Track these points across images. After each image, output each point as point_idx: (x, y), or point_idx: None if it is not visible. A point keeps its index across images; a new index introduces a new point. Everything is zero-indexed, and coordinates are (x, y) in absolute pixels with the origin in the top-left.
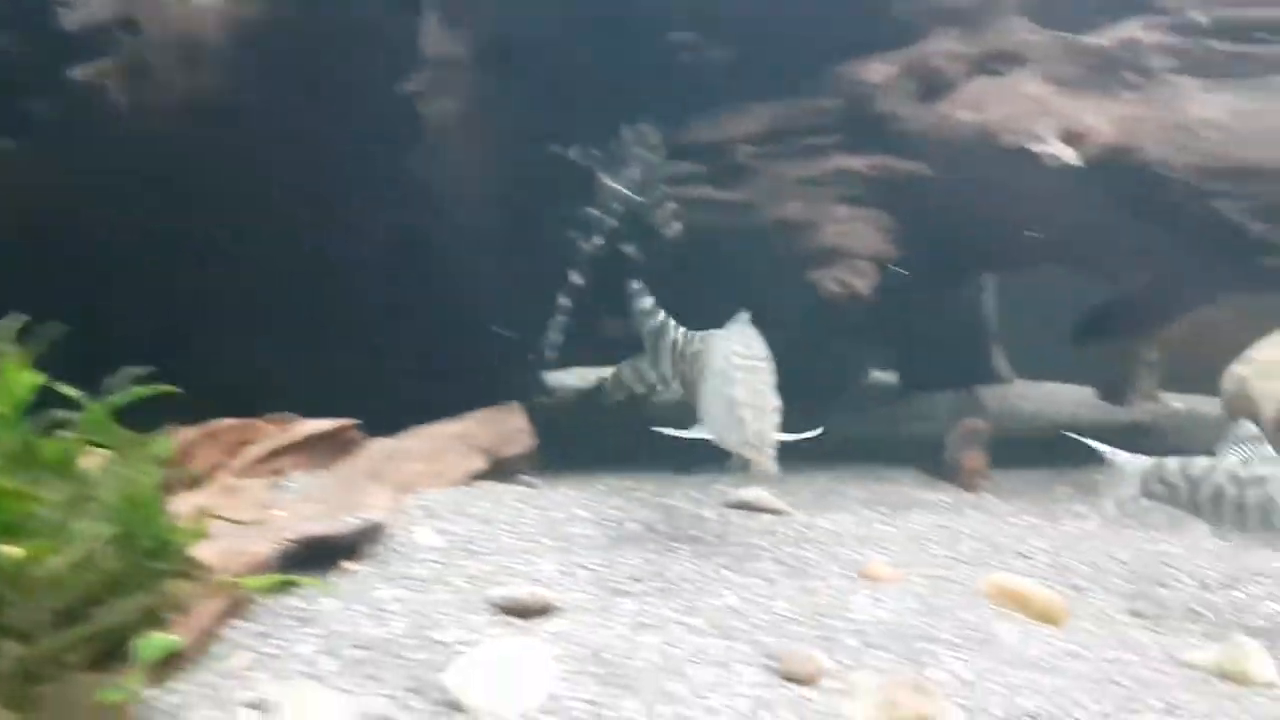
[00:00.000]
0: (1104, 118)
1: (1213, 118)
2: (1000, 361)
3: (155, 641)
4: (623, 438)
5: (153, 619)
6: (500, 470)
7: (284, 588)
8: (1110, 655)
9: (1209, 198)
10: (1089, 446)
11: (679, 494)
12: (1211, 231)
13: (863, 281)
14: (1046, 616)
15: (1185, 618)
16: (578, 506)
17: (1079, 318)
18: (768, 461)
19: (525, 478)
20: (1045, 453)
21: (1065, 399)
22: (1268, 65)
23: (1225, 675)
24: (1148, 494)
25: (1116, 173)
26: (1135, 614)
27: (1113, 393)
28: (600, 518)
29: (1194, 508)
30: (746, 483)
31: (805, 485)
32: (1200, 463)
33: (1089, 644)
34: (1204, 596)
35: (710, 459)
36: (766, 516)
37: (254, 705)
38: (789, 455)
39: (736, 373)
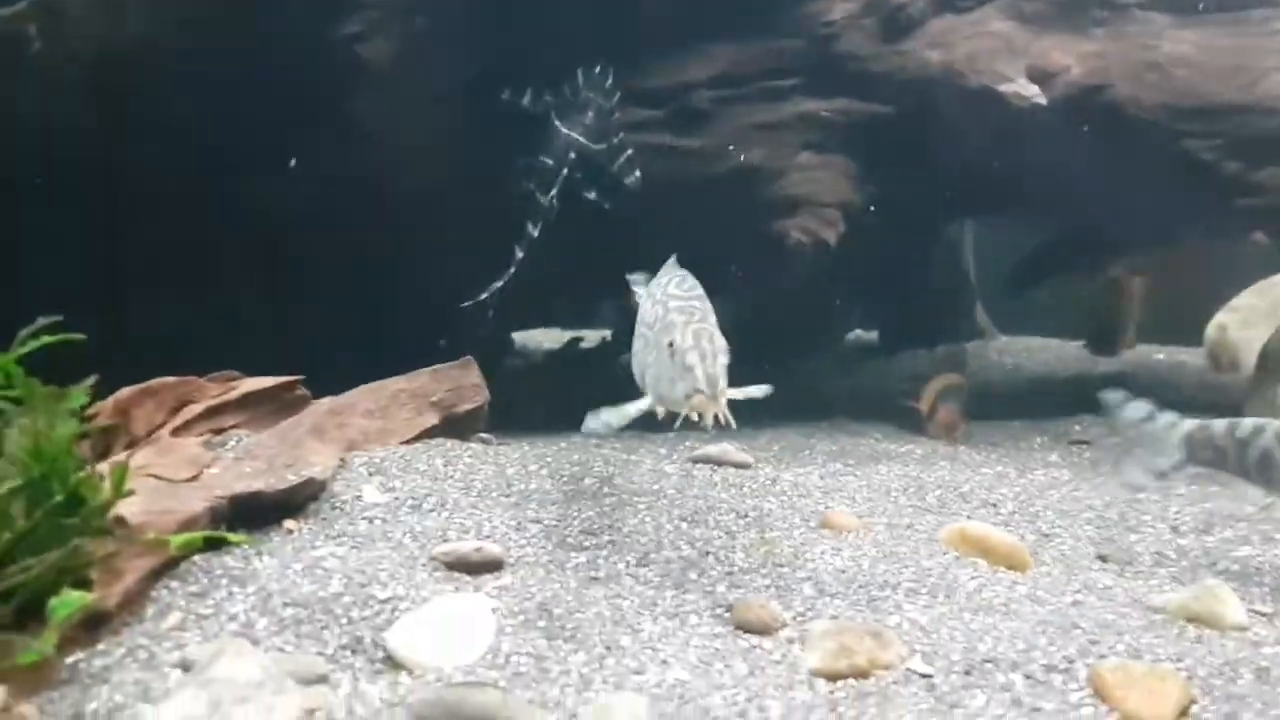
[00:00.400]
0: (1072, 55)
1: (1184, 54)
2: (980, 315)
3: (69, 600)
4: (593, 396)
5: (73, 578)
6: (455, 427)
7: (219, 547)
8: (1073, 599)
9: (1180, 137)
10: (1066, 399)
11: (644, 450)
12: (1184, 171)
13: (830, 230)
14: (1009, 562)
15: (1155, 563)
16: (534, 463)
17: (1015, 263)
18: (722, 408)
19: (482, 435)
20: (1023, 405)
21: (1046, 353)
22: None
23: (1193, 618)
24: (1194, 459)
25: (1086, 112)
26: (1103, 559)
27: (1100, 344)
28: (556, 473)
29: (1242, 471)
30: (714, 439)
31: (774, 440)
32: (1247, 424)
33: (1052, 589)
34: (1175, 541)
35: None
36: (731, 470)
37: (182, 665)
38: (758, 411)
39: (674, 315)
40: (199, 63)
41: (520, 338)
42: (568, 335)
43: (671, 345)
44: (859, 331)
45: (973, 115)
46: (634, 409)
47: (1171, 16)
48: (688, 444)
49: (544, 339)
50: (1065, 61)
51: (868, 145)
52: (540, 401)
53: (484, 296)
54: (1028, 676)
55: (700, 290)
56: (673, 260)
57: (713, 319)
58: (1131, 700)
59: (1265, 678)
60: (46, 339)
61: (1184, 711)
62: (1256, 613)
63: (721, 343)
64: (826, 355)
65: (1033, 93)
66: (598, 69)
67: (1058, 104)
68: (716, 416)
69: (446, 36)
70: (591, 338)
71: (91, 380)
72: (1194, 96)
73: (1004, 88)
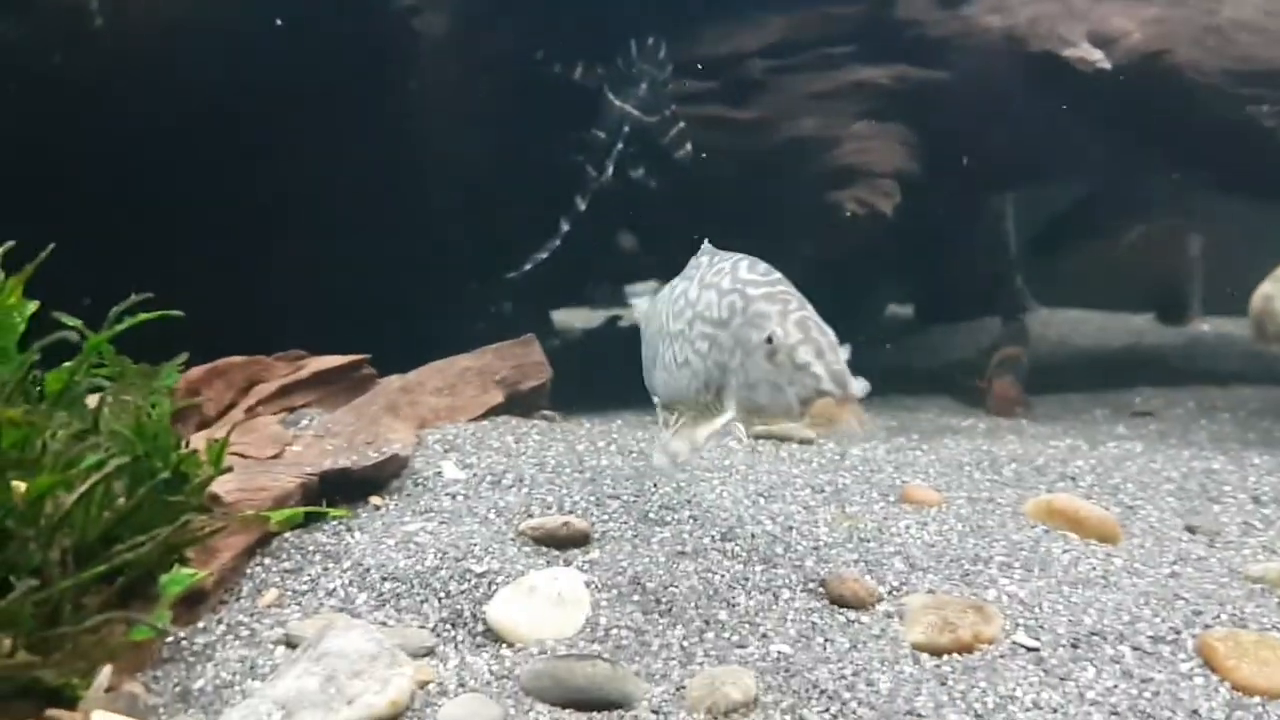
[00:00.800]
0: (1133, 20)
1: (1246, 19)
2: (1021, 289)
3: (178, 577)
4: (635, 378)
5: (174, 555)
6: (519, 404)
7: (310, 522)
8: (1170, 570)
9: (1242, 102)
10: (1120, 371)
11: None
12: (1244, 137)
13: (885, 201)
14: (1100, 535)
15: (1243, 533)
16: (602, 440)
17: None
18: (859, 411)
19: (546, 412)
20: (1077, 378)
21: (1089, 325)
22: None
23: None
24: None
25: (1147, 77)
26: (1191, 530)
27: (1170, 314)
28: (625, 450)
29: None
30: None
31: None
32: None
33: (1147, 560)
34: (1260, 511)
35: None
36: (795, 445)
37: (285, 641)
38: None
39: (760, 304)
40: (263, 38)
41: (560, 317)
42: (605, 315)
43: (771, 341)
44: (894, 306)
45: (1035, 80)
46: (707, 432)
47: None
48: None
49: (581, 319)
50: (1126, 26)
51: (925, 112)
52: (586, 381)
53: (527, 267)
54: (1135, 648)
55: (780, 275)
56: (707, 245)
57: (812, 308)
58: (1244, 669)
59: None
60: (143, 316)
61: None
62: None
63: (833, 335)
64: (869, 329)
65: (1097, 57)
66: (650, 40)
67: (1119, 69)
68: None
69: (499, 10)
70: (630, 316)
71: (182, 359)
72: (1256, 61)
73: (1068, 52)
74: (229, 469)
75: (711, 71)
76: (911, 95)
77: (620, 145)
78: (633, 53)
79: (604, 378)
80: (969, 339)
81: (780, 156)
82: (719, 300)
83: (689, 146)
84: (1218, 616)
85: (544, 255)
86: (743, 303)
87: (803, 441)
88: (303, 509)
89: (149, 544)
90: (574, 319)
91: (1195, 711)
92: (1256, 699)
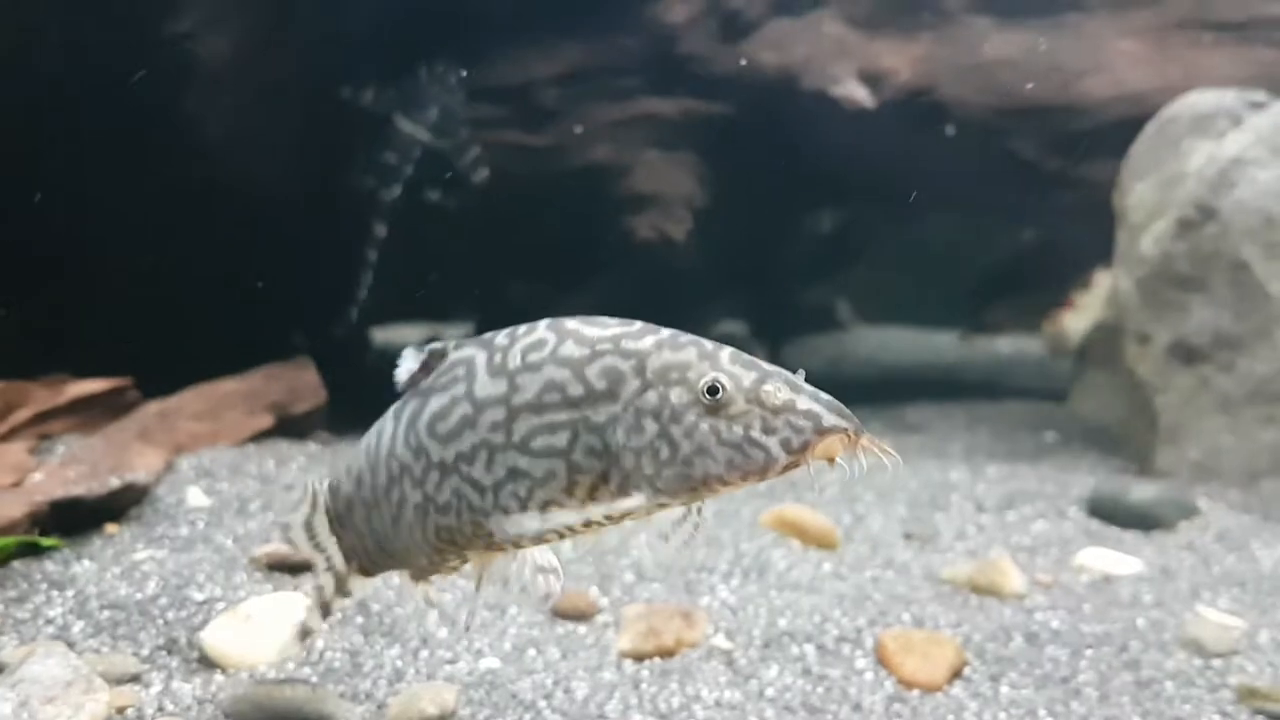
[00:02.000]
0: (902, 58)
1: (1006, 56)
2: (841, 307)
3: None
4: None
5: None
6: (291, 427)
7: (40, 552)
8: (871, 574)
9: (1004, 135)
10: (911, 386)
11: None
12: (1008, 168)
13: (677, 227)
14: (820, 542)
15: (956, 537)
16: None
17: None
18: (870, 438)
19: (322, 434)
20: (871, 393)
21: (901, 342)
22: (1058, 4)
23: (977, 588)
24: None
25: (915, 112)
26: (908, 536)
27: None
28: None
29: None
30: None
31: None
32: None
33: (855, 565)
34: (978, 518)
35: None
36: None
37: None
38: None
39: (667, 353)
40: (28, 60)
41: (383, 335)
42: (426, 334)
43: (716, 392)
44: (728, 323)
45: (807, 115)
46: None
47: (994, 20)
48: None
49: (408, 336)
50: (895, 64)
51: (712, 143)
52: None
53: (349, 311)
54: (819, 647)
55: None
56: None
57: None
58: (909, 665)
59: (1034, 641)
60: None
61: (956, 673)
62: (1038, 582)
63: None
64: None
65: (862, 95)
66: (442, 65)
67: (888, 105)
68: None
69: (285, 34)
70: (449, 335)
71: None
72: (1015, 97)
73: (835, 90)
74: None
75: (505, 97)
76: (699, 126)
77: (411, 169)
78: (423, 77)
79: None
80: (793, 357)
81: (575, 182)
82: (574, 373)
83: (485, 171)
84: (900, 616)
85: (364, 293)
86: (630, 361)
87: None
88: (14, 539)
89: None
90: (401, 336)
91: (859, 705)
92: (915, 692)
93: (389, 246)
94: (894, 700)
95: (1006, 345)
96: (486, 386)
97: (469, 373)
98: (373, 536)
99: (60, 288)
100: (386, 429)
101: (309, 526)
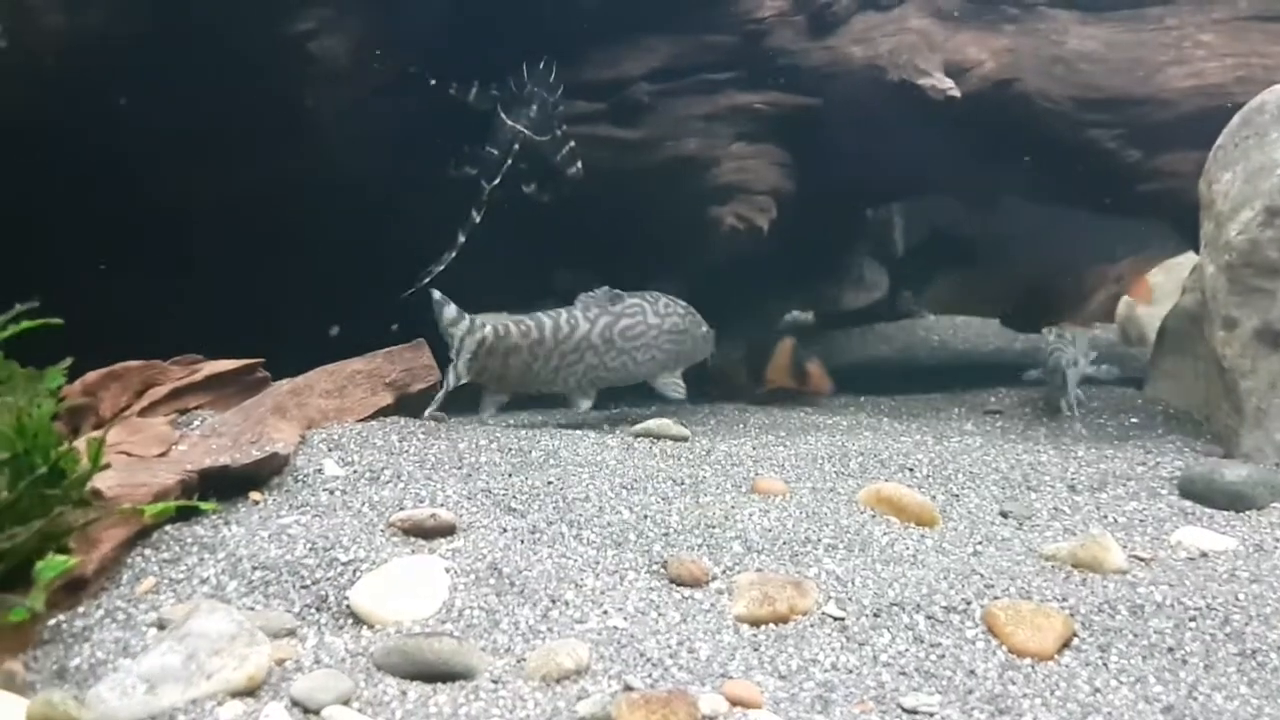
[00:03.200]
0: (986, 50)
1: (1088, 49)
2: (907, 295)
3: (54, 563)
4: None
5: (54, 546)
6: (409, 406)
7: (190, 518)
8: (973, 550)
9: (1085, 127)
10: (986, 372)
11: (587, 427)
12: (1088, 159)
13: (762, 216)
14: (919, 519)
15: (1051, 517)
16: (484, 438)
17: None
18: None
19: (434, 412)
20: (945, 379)
21: (969, 329)
22: None
23: (1079, 564)
24: None
25: (999, 103)
26: (1004, 515)
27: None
28: (505, 447)
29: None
30: (655, 414)
31: (711, 415)
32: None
33: (956, 541)
34: (1072, 498)
35: (630, 397)
36: (669, 443)
37: (159, 624)
38: (694, 390)
39: (692, 317)
40: (153, 55)
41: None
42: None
43: (706, 329)
44: (796, 312)
45: (895, 106)
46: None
47: (1077, 13)
48: (629, 419)
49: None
50: (979, 56)
51: (799, 135)
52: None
53: (425, 280)
54: (929, 617)
55: None
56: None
57: None
58: (1019, 635)
59: (1139, 613)
60: (25, 324)
61: (1065, 643)
62: (1137, 558)
63: None
64: (767, 332)
65: (948, 85)
66: (541, 63)
67: (972, 96)
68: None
69: (396, 34)
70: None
71: (67, 362)
72: (1097, 89)
73: (921, 81)
74: (107, 465)
75: (599, 93)
76: (785, 119)
77: (511, 161)
78: (525, 75)
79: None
80: (860, 343)
81: (665, 174)
82: (666, 321)
83: (579, 164)
84: (1006, 589)
85: (440, 267)
86: (685, 317)
87: (677, 439)
88: (174, 503)
89: (25, 534)
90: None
91: (973, 671)
92: (1027, 660)
93: (485, 237)
94: (1007, 668)
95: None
96: (651, 319)
97: (642, 310)
98: (520, 371)
99: (188, 275)
100: (580, 324)
101: (477, 350)
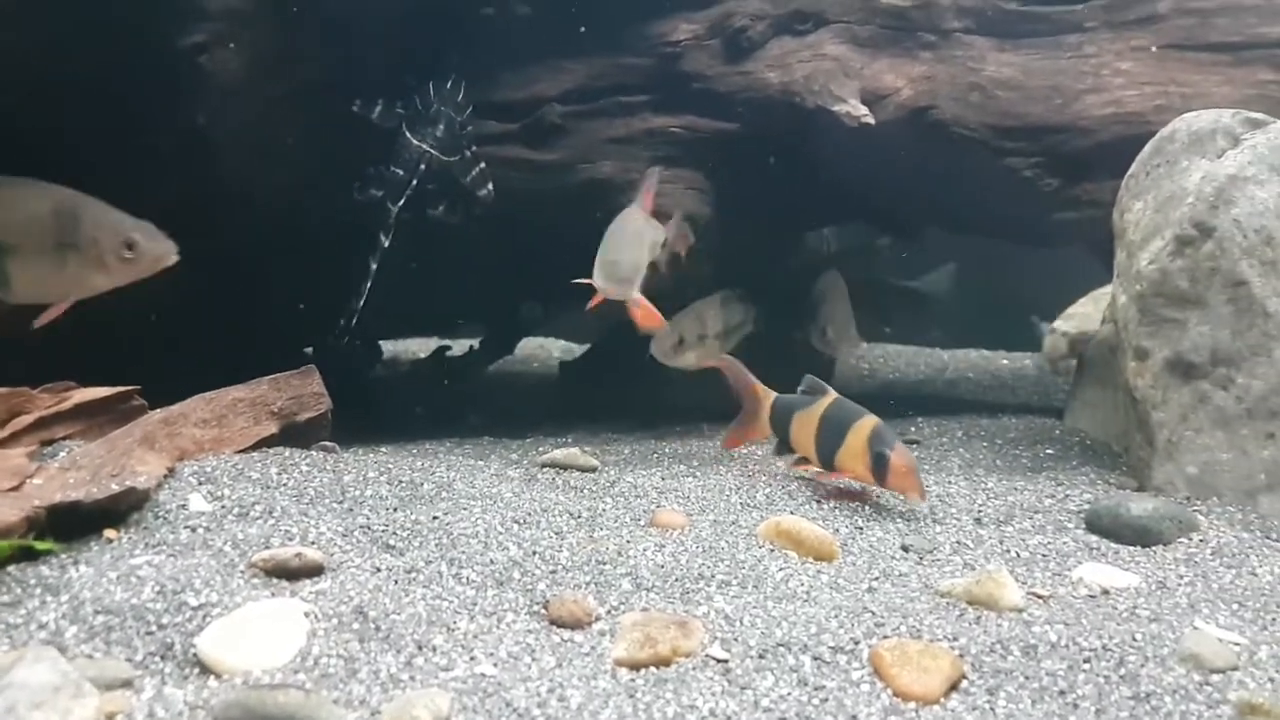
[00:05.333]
0: (903, 78)
1: (1005, 77)
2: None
3: None
4: (460, 406)
5: None
6: (296, 436)
7: (34, 556)
8: (869, 586)
9: (1003, 155)
10: (911, 401)
11: (494, 455)
12: (1006, 187)
13: (680, 243)
14: (817, 553)
15: (953, 550)
16: (374, 469)
17: None
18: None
19: (325, 444)
20: (869, 407)
21: (899, 359)
22: (1057, 26)
23: (974, 601)
24: None
25: (915, 130)
26: (905, 549)
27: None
28: (396, 479)
29: None
30: (566, 444)
31: (627, 445)
32: None
33: (853, 577)
34: (977, 531)
35: (556, 425)
36: (575, 474)
37: None
38: (618, 421)
39: None
40: (31, 69)
41: (392, 347)
42: (435, 344)
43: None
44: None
45: (811, 133)
46: None
47: (994, 40)
48: (541, 449)
49: (417, 348)
50: (896, 83)
51: (716, 160)
52: (407, 408)
53: (344, 322)
54: (816, 658)
55: None
56: None
57: None
58: (905, 676)
59: (1032, 654)
60: None
61: (953, 685)
62: (1035, 595)
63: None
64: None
65: (862, 113)
66: (449, 81)
67: (889, 124)
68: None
69: (296, 49)
70: (459, 347)
71: None
72: (1014, 117)
73: (837, 108)
74: None
75: (512, 114)
76: (703, 143)
77: (417, 182)
78: (430, 93)
79: (428, 407)
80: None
81: (579, 197)
82: None
83: (490, 186)
84: (897, 628)
85: (360, 302)
86: None
87: (584, 470)
88: (7, 543)
89: None
90: (410, 348)
91: (854, 717)
92: (912, 704)
93: (395, 260)
94: (889, 712)
95: (1004, 360)
96: None
97: None
98: None
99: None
100: None
101: None
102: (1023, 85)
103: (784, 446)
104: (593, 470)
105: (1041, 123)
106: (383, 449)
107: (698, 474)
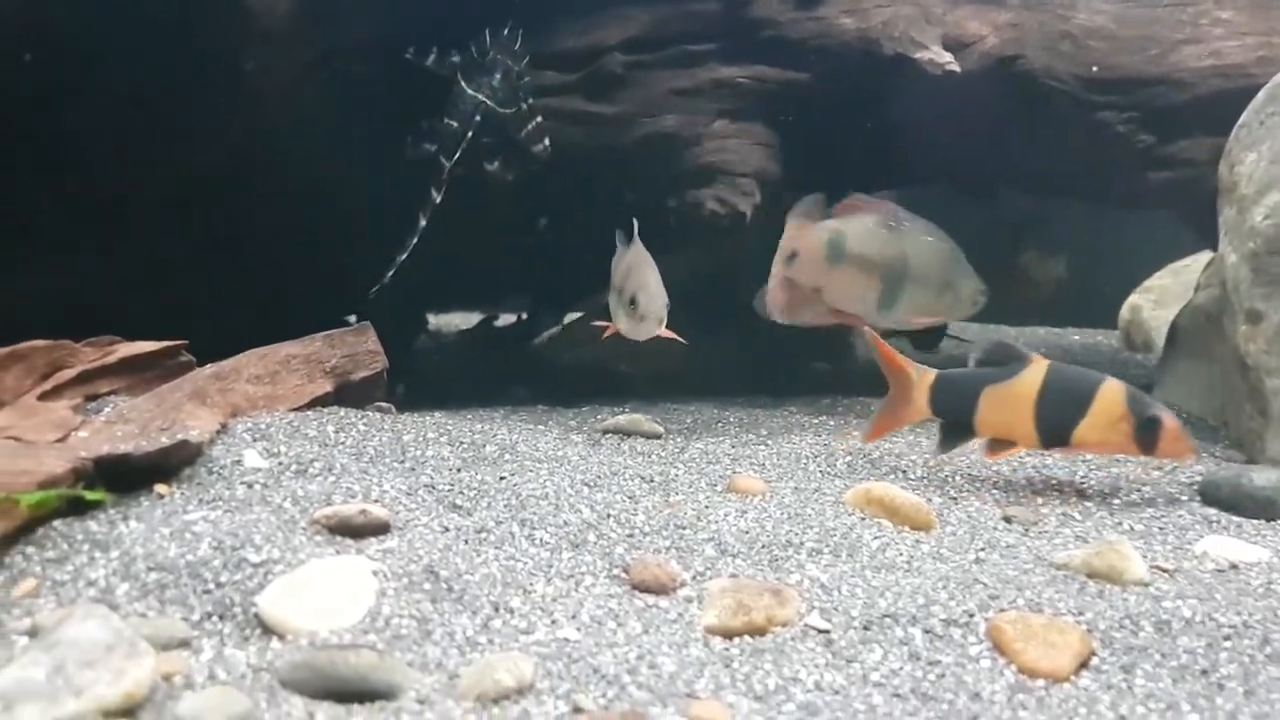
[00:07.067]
0: (988, 25)
1: (1098, 25)
2: None
3: None
4: (506, 378)
5: None
6: (350, 395)
7: (81, 511)
8: (975, 557)
9: (1094, 109)
10: None
11: (552, 422)
12: (1098, 144)
13: (745, 200)
14: (914, 523)
15: (1060, 523)
16: (434, 431)
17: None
18: None
19: (380, 404)
20: None
21: (967, 333)
22: None
23: (1094, 574)
24: None
25: (1000, 81)
26: (1007, 520)
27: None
28: (457, 440)
29: None
30: (627, 410)
31: (688, 415)
32: None
33: (956, 547)
34: (1082, 504)
35: (603, 395)
36: (640, 440)
37: (31, 632)
38: (674, 386)
39: None
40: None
41: (435, 319)
42: (480, 316)
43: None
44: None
45: (885, 85)
46: None
47: None
48: (599, 416)
49: (460, 320)
50: (981, 31)
51: (785, 112)
52: (453, 380)
53: (387, 275)
54: (927, 631)
55: None
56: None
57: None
58: (1030, 652)
59: (1166, 630)
60: None
61: (1084, 663)
62: (1159, 569)
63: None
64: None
65: (947, 60)
66: (506, 29)
67: (972, 74)
68: None
69: None
70: (506, 318)
71: None
72: (1107, 68)
73: (919, 55)
74: None
75: (570, 64)
76: (771, 95)
77: (471, 135)
78: (486, 41)
79: (473, 378)
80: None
81: (640, 153)
82: None
83: (546, 142)
84: (1014, 601)
85: (404, 255)
86: None
87: (649, 436)
88: (56, 493)
89: None
90: (454, 320)
91: (977, 694)
92: (1040, 682)
93: (444, 226)
94: (1016, 690)
95: (1075, 335)
96: None
97: None
98: None
99: (113, 249)
100: None
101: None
102: (1116, 35)
103: (956, 433)
104: (657, 437)
105: (1135, 75)
106: (436, 414)
107: (769, 442)
